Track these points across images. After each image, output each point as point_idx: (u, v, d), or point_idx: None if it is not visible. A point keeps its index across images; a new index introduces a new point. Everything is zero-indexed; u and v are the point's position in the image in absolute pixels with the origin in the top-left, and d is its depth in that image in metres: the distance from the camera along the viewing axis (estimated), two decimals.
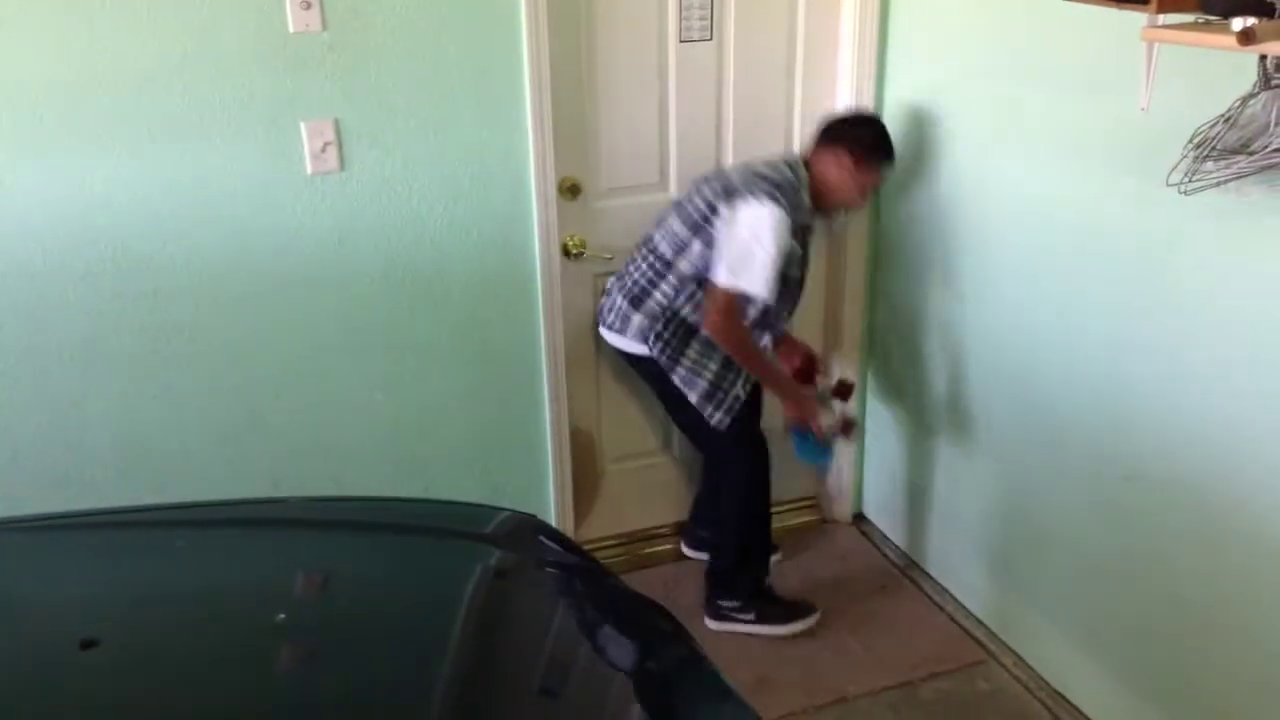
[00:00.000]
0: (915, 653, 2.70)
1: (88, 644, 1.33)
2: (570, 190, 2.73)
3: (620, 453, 3.08)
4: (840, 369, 3.08)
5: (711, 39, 2.76)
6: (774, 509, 2.85)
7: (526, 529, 1.77)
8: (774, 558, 2.96)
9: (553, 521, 2.88)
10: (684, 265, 2.52)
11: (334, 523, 1.79)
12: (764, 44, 2.81)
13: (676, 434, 3.04)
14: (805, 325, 3.03)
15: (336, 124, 2.38)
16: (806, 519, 3.29)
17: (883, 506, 3.21)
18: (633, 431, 3.07)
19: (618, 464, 3.09)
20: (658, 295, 2.56)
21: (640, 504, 3.14)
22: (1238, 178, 1.76)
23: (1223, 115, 1.75)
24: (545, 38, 2.48)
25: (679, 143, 2.82)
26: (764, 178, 2.47)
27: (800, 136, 2.89)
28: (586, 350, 2.90)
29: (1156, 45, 1.77)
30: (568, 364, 2.82)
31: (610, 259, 2.78)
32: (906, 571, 3.03)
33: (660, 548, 3.13)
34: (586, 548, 2.41)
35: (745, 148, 2.83)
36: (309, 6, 2.27)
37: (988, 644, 2.71)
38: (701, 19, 2.73)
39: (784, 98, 2.87)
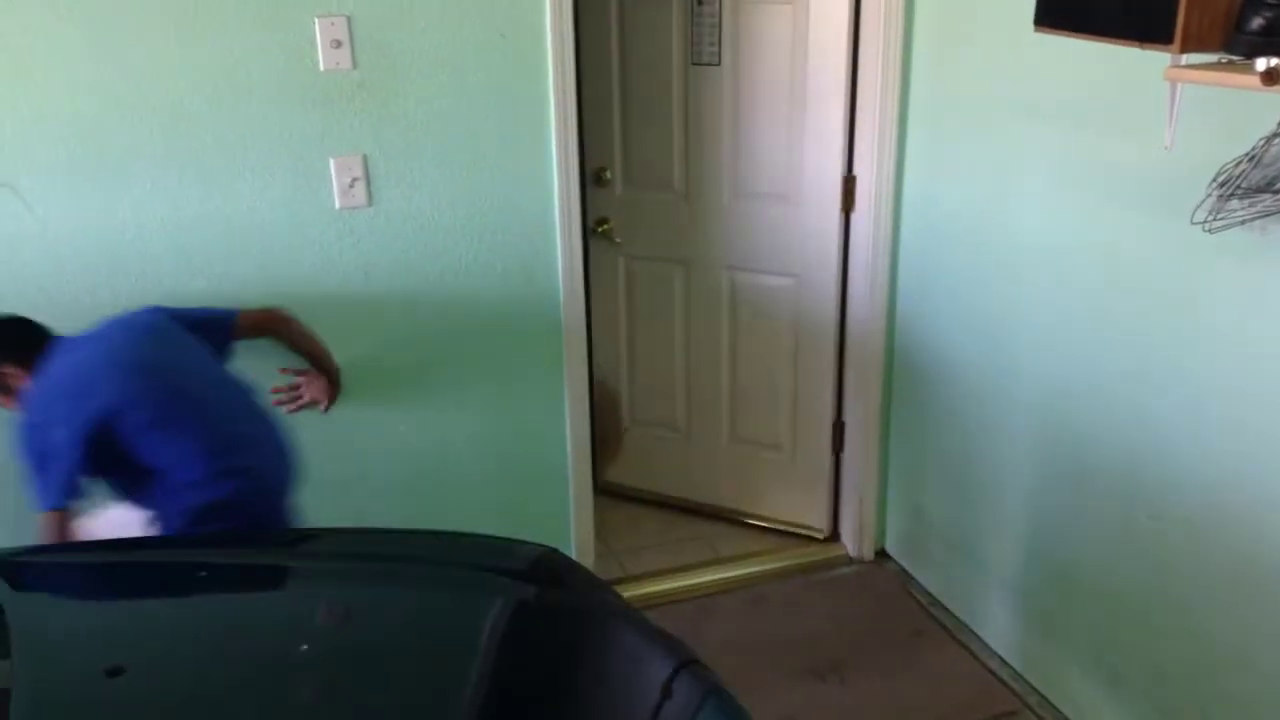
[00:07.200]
0: (944, 700, 2.65)
1: (113, 672, 1.34)
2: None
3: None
4: (855, 406, 3.08)
5: (720, 64, 2.78)
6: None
7: (549, 563, 1.77)
8: None
9: (575, 555, 2.87)
10: None
11: (356, 554, 1.79)
12: (770, 72, 2.82)
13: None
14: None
15: (365, 160, 2.42)
16: (827, 555, 3.25)
17: (905, 544, 3.19)
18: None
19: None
20: None
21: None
22: (1262, 216, 1.76)
23: (1247, 154, 1.75)
24: (571, 75, 2.51)
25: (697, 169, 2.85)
26: None
27: (807, 161, 2.91)
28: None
29: (1180, 85, 1.78)
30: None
31: None
32: (930, 610, 2.99)
33: (682, 583, 3.12)
34: (608, 582, 2.40)
35: (749, 176, 2.85)
36: (339, 45, 2.32)
37: (1016, 687, 2.66)
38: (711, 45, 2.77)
39: (790, 129, 2.90)
